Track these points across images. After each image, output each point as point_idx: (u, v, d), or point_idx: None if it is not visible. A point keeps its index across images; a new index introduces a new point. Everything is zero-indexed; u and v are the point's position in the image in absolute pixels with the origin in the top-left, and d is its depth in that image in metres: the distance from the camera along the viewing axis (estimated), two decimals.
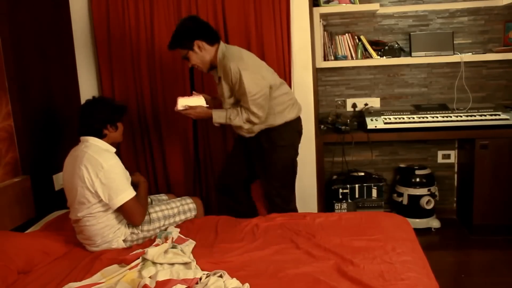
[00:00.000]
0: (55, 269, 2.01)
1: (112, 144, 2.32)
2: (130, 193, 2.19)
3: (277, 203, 2.69)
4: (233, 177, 2.82)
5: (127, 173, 2.27)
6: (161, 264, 1.90)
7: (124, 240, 2.25)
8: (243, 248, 2.11)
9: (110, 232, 2.21)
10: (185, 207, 2.50)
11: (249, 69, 2.42)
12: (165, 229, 2.33)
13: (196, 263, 1.93)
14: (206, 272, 1.78)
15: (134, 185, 2.31)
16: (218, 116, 2.53)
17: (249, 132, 2.56)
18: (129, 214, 2.21)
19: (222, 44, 2.53)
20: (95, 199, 2.15)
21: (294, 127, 2.69)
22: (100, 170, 2.12)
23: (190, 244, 2.13)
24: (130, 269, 1.87)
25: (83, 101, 3.21)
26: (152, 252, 1.93)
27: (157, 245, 2.04)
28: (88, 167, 2.13)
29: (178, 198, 2.58)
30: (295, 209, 2.80)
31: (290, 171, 2.72)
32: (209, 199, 3.25)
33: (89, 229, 2.19)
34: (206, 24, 2.52)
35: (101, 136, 2.26)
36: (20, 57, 2.61)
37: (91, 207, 2.16)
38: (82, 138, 2.28)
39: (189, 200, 2.55)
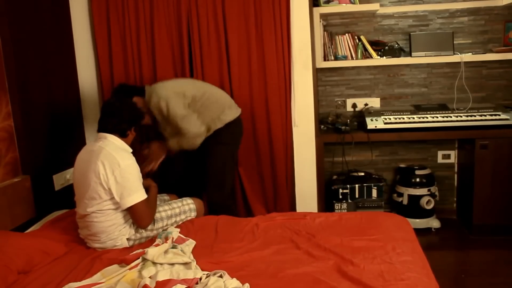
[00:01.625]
0: (55, 269, 2.01)
1: (130, 144, 2.35)
2: (142, 195, 2.20)
3: (216, 200, 2.84)
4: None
5: (141, 175, 2.28)
6: (161, 264, 1.90)
7: (128, 239, 2.27)
8: (243, 248, 2.11)
9: (116, 230, 2.22)
10: (186, 207, 2.51)
11: (170, 96, 2.65)
12: (166, 229, 2.33)
13: (196, 263, 1.93)
14: (206, 272, 1.78)
15: (145, 189, 2.31)
16: (172, 143, 2.71)
17: (194, 146, 2.74)
18: (138, 216, 2.22)
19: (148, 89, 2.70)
20: (107, 196, 2.16)
21: (235, 126, 2.88)
22: (116, 168, 2.13)
23: (190, 244, 2.13)
24: (130, 269, 1.87)
25: (82, 101, 3.25)
26: (152, 252, 1.93)
27: (157, 245, 2.04)
28: (105, 163, 2.14)
29: (179, 199, 2.59)
30: (231, 205, 2.96)
31: (230, 166, 2.93)
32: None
33: (96, 225, 2.19)
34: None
35: (124, 135, 2.28)
36: (20, 57, 2.61)
37: (101, 203, 2.17)
38: (101, 134, 2.27)
39: (189, 201, 2.57)
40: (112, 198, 2.17)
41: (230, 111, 2.85)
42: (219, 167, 2.85)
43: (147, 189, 2.33)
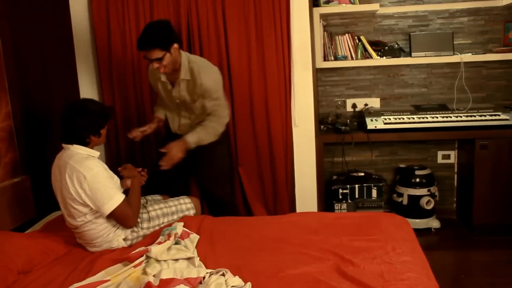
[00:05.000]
0: (55, 269, 2.01)
1: (95, 147, 2.26)
2: (118, 199, 2.14)
3: (223, 199, 2.82)
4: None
5: (114, 176, 2.23)
6: (165, 261, 1.91)
7: (125, 239, 2.26)
8: (242, 248, 2.11)
9: (110, 233, 2.21)
10: (183, 206, 2.51)
11: (216, 73, 2.60)
12: (169, 225, 2.33)
13: (199, 260, 1.95)
14: (209, 271, 1.79)
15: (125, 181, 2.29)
16: (192, 140, 2.53)
17: (215, 137, 2.64)
18: (121, 219, 2.18)
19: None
20: (87, 208, 2.13)
21: (227, 127, 2.83)
22: (83, 182, 2.07)
23: (194, 239, 2.14)
24: (134, 267, 1.88)
25: None
26: (155, 250, 1.94)
27: (160, 243, 2.05)
28: (72, 179, 2.08)
29: (176, 197, 2.59)
30: (236, 203, 3.00)
31: (231, 164, 2.98)
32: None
33: (88, 234, 2.18)
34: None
35: (84, 143, 2.18)
36: (20, 57, 2.61)
37: (85, 215, 2.14)
38: (65, 145, 2.19)
39: (187, 200, 2.56)
40: (92, 208, 2.13)
41: (227, 109, 2.81)
42: (225, 166, 2.85)
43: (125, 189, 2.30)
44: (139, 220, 2.30)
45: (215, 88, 2.57)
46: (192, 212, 2.54)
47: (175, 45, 2.45)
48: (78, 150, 2.16)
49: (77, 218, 2.14)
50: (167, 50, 2.42)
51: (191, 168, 2.79)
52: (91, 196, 2.09)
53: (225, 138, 2.82)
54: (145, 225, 2.31)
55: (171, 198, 2.59)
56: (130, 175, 2.35)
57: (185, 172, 2.82)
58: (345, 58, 3.45)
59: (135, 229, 2.29)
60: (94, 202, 2.10)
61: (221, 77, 2.64)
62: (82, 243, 2.26)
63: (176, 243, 2.06)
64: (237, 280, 1.71)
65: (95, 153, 2.22)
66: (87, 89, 3.25)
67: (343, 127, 3.36)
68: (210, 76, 2.55)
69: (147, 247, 2.03)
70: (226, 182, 2.90)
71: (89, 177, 2.07)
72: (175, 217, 2.45)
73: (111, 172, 2.23)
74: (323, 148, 3.39)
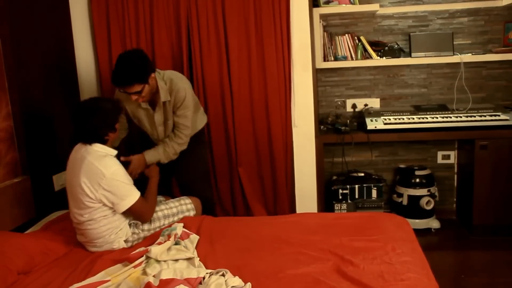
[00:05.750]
0: (55, 269, 2.01)
1: (112, 145, 2.31)
2: (135, 196, 2.20)
3: (207, 196, 2.85)
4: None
5: (128, 175, 2.26)
6: (165, 261, 1.91)
7: (126, 241, 2.26)
8: (242, 248, 2.11)
9: (112, 234, 2.22)
10: (184, 207, 2.51)
11: (189, 87, 2.63)
12: (169, 226, 2.33)
13: (199, 260, 1.95)
14: (209, 271, 1.79)
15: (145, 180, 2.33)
16: (151, 157, 2.57)
17: (183, 147, 2.68)
18: (137, 215, 2.27)
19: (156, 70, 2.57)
20: (96, 205, 2.15)
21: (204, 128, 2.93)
22: (101, 179, 2.11)
23: (193, 239, 2.15)
24: (134, 267, 1.88)
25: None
26: (155, 250, 1.94)
27: (160, 243, 2.05)
28: (88, 176, 2.12)
29: (177, 198, 2.59)
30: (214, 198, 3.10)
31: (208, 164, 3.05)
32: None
33: (91, 233, 2.19)
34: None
35: (103, 141, 2.22)
36: (20, 57, 2.61)
37: (92, 212, 2.16)
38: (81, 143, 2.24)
39: (188, 200, 2.56)
40: (103, 205, 2.16)
41: (203, 115, 2.91)
42: (206, 165, 2.95)
43: (145, 182, 2.34)
44: (139, 222, 2.32)
45: (189, 93, 2.59)
46: (192, 213, 2.55)
47: (152, 75, 2.44)
48: (97, 148, 2.20)
49: (83, 215, 2.16)
50: (145, 82, 2.40)
51: (173, 169, 2.82)
52: (109, 193, 2.13)
53: (204, 139, 2.96)
54: (146, 227, 2.32)
55: (171, 199, 2.59)
56: (153, 175, 2.42)
57: (168, 173, 2.81)
58: (345, 58, 3.45)
59: (136, 231, 2.29)
60: (111, 199, 2.15)
61: (191, 87, 2.69)
62: (82, 242, 2.26)
63: (176, 243, 2.06)
64: (237, 281, 1.72)
65: (113, 151, 2.26)
66: (87, 89, 3.25)
67: (343, 128, 3.37)
68: (182, 81, 2.58)
69: (147, 247, 2.04)
70: (208, 179, 3.00)
71: (108, 175, 2.12)
72: (175, 218, 2.46)
73: (125, 170, 2.27)
74: (323, 149, 3.39)
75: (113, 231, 2.22)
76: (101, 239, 2.20)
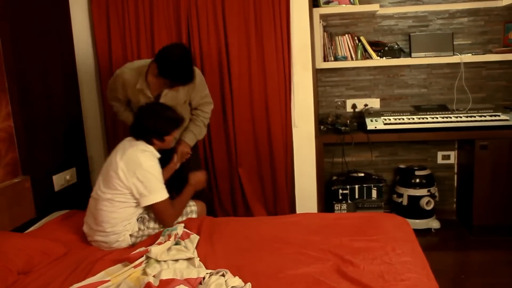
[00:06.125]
0: (55, 269, 2.01)
1: (159, 150, 2.36)
2: (163, 195, 2.26)
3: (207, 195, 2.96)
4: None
5: (162, 177, 2.32)
6: (165, 261, 1.92)
7: (131, 235, 2.29)
8: (242, 248, 2.11)
9: (121, 224, 2.25)
10: (187, 209, 2.52)
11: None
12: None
13: (199, 261, 1.95)
14: (209, 271, 1.79)
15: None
16: (191, 140, 2.68)
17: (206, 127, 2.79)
18: (158, 215, 2.30)
19: None
20: (121, 190, 2.21)
21: None
22: (138, 167, 2.19)
23: (194, 239, 2.15)
24: (134, 267, 1.88)
25: (82, 103, 3.26)
26: (155, 250, 1.94)
27: (160, 243, 2.05)
28: (127, 162, 2.20)
29: None
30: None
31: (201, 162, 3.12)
32: (213, 202, 3.27)
33: (103, 214, 2.23)
34: None
35: (148, 142, 2.31)
36: (21, 57, 2.61)
37: (115, 194, 2.22)
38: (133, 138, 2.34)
39: (191, 203, 2.57)
40: (128, 193, 2.22)
41: None
42: (200, 160, 3.02)
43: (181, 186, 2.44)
44: (146, 217, 2.35)
45: (204, 82, 2.69)
46: (194, 216, 2.55)
47: None
48: (143, 145, 2.30)
49: (104, 191, 2.23)
50: None
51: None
52: (140, 183, 2.19)
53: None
54: (151, 224, 2.34)
55: None
56: (191, 183, 2.48)
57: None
58: (345, 58, 3.45)
59: (142, 227, 2.32)
60: (140, 189, 2.20)
61: None
62: (89, 229, 2.29)
63: (176, 243, 2.06)
64: (237, 281, 1.72)
65: (156, 154, 2.33)
66: (87, 90, 3.25)
67: (343, 128, 3.37)
68: (198, 71, 2.62)
69: (147, 247, 2.04)
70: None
71: (145, 166, 2.20)
72: (179, 219, 2.46)
73: (161, 172, 2.33)
74: (323, 149, 3.39)
75: (122, 222, 2.26)
76: (110, 224, 2.23)
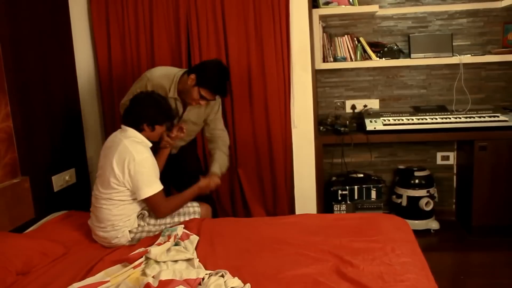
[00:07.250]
0: (54, 270, 2.01)
1: (148, 139, 2.36)
2: (156, 188, 2.26)
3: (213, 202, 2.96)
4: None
5: (157, 168, 2.34)
6: (164, 262, 1.92)
7: (130, 232, 2.30)
8: (242, 249, 2.11)
9: (120, 221, 2.27)
10: (190, 209, 2.51)
11: None
12: (170, 227, 2.34)
13: (199, 261, 1.95)
14: (208, 272, 1.79)
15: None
16: (222, 167, 2.71)
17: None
18: (153, 208, 2.31)
19: None
20: (119, 187, 2.22)
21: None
22: (131, 162, 2.19)
23: (193, 240, 2.15)
24: (134, 268, 1.88)
25: (82, 102, 3.26)
26: (155, 251, 1.94)
27: (160, 244, 2.05)
28: (120, 158, 2.20)
29: None
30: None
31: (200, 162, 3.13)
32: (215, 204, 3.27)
33: (104, 212, 2.25)
34: None
35: (138, 129, 2.31)
36: (20, 57, 2.61)
37: (112, 194, 2.24)
38: (123, 126, 2.33)
39: (195, 204, 2.56)
40: (125, 189, 2.23)
41: None
42: (198, 164, 3.02)
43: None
44: (146, 214, 2.36)
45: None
46: (197, 217, 2.54)
47: None
48: (133, 134, 2.29)
49: (102, 191, 2.25)
50: None
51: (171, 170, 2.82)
52: (133, 178, 2.20)
53: (196, 139, 3.02)
54: (152, 221, 2.36)
55: None
56: (201, 185, 2.49)
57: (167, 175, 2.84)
58: (344, 59, 3.45)
59: (142, 223, 2.34)
60: (133, 184, 2.22)
61: None
62: (92, 223, 2.32)
63: (176, 244, 2.07)
64: (236, 281, 1.72)
65: (148, 143, 2.33)
66: (87, 90, 3.25)
67: (342, 128, 3.37)
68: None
69: (147, 248, 2.04)
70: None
71: (137, 160, 2.20)
72: (181, 219, 2.47)
73: (156, 163, 2.33)
74: (323, 149, 3.39)
75: (122, 219, 2.27)
76: (110, 222, 2.25)
